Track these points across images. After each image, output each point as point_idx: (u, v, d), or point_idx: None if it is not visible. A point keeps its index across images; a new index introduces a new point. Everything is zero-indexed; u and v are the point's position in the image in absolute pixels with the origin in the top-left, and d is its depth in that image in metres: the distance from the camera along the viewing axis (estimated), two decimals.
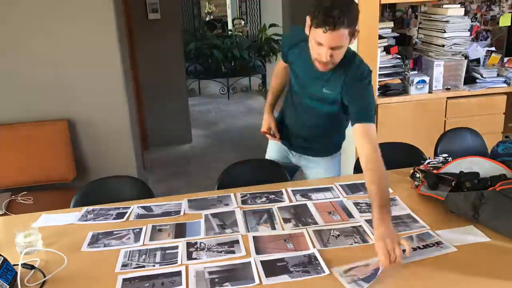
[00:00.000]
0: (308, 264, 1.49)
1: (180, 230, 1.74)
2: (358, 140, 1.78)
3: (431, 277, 1.40)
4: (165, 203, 1.98)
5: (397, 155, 2.37)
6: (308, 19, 1.73)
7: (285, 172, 2.27)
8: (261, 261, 1.51)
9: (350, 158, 2.48)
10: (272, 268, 1.47)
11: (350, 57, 1.85)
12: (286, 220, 1.79)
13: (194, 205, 1.95)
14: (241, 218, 1.82)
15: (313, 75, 1.90)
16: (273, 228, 1.74)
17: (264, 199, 1.97)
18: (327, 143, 2.22)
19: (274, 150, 2.38)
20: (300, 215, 1.83)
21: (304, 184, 2.13)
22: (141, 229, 1.76)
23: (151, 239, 1.69)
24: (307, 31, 1.76)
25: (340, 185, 2.08)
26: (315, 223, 1.76)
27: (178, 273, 1.47)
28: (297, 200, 1.96)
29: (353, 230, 1.70)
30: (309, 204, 1.92)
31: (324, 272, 1.45)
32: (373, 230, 1.54)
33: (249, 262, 1.51)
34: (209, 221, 1.80)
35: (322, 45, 1.69)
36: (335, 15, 1.60)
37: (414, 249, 1.54)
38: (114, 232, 1.75)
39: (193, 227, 1.76)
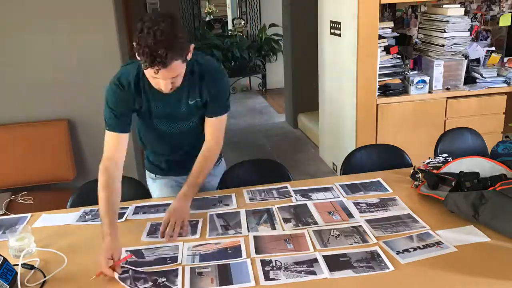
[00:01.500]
0: (372, 260, 1.50)
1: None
2: (208, 130, 1.92)
3: (431, 277, 1.40)
4: (165, 202, 1.99)
5: (380, 157, 2.41)
6: (136, 53, 1.59)
7: (287, 172, 2.27)
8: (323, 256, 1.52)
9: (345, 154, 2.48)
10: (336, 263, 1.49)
11: (197, 61, 1.82)
12: (286, 220, 1.79)
13: (194, 204, 1.95)
14: (244, 218, 1.82)
15: (172, 99, 1.82)
16: (273, 228, 1.74)
17: (216, 203, 1.95)
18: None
19: (162, 191, 2.14)
20: (300, 215, 1.83)
21: (304, 184, 2.13)
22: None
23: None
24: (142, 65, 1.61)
25: (340, 185, 2.08)
26: (315, 223, 1.76)
27: (175, 271, 1.47)
28: (297, 200, 1.96)
29: (353, 230, 1.69)
30: (309, 204, 1.92)
31: (388, 268, 1.45)
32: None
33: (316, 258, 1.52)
34: (213, 222, 1.81)
35: (157, 77, 1.61)
36: (161, 54, 1.51)
37: (414, 249, 1.54)
38: None
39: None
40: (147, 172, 2.21)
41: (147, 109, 1.85)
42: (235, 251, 1.58)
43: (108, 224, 1.57)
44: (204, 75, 1.82)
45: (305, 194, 2.01)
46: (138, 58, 1.58)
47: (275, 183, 2.14)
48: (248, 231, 1.72)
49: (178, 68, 1.61)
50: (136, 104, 1.81)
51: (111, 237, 1.53)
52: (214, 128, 1.92)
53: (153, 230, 1.75)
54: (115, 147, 1.79)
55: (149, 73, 1.61)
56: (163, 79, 1.61)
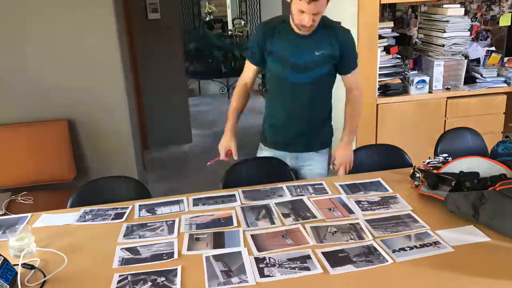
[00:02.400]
0: (369, 254, 1.51)
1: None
2: (349, 82, 2.21)
3: (427, 276, 1.41)
4: (165, 201, 2.00)
5: (380, 157, 2.42)
6: None
7: (289, 170, 2.28)
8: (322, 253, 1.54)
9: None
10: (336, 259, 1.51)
11: (330, 21, 2.15)
12: (285, 215, 1.81)
13: (250, 196, 2.01)
14: (241, 215, 1.84)
15: (300, 47, 2.08)
16: (272, 223, 1.76)
17: (216, 200, 2.00)
18: (322, 125, 2.30)
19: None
20: (298, 210, 1.85)
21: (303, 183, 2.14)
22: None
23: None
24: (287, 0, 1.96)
25: (340, 185, 2.08)
26: (314, 217, 1.78)
27: (177, 271, 1.48)
28: (295, 195, 1.99)
29: (350, 227, 1.70)
30: (306, 199, 1.95)
31: (387, 261, 1.47)
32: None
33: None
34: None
35: (304, 13, 1.92)
36: None
37: (411, 248, 1.54)
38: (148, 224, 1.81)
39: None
40: (261, 146, 2.43)
41: (274, 52, 2.12)
42: (227, 221, 1.79)
43: (230, 123, 2.26)
44: (336, 31, 2.12)
45: (304, 191, 2.04)
46: None
47: (280, 182, 2.15)
48: (248, 227, 1.74)
49: (323, 6, 1.94)
50: (268, 44, 2.11)
51: (229, 137, 2.25)
52: (351, 81, 2.21)
53: (129, 232, 1.75)
54: (249, 74, 2.27)
55: (299, 6, 1.90)
56: (309, 13, 1.92)
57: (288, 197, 1.99)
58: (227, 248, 1.60)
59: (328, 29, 2.10)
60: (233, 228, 1.74)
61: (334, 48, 2.09)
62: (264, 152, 2.39)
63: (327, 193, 2.02)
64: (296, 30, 2.05)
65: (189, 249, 1.62)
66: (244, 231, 1.71)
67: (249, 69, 2.25)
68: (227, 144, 2.25)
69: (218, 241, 1.66)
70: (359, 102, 2.25)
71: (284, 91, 2.20)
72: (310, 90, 2.16)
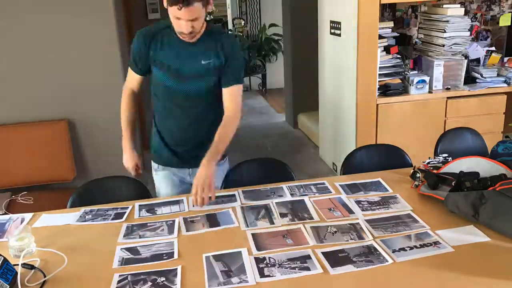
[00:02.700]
0: (369, 254, 1.51)
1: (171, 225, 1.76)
2: (226, 100, 2.05)
3: (427, 276, 1.41)
4: (165, 200, 2.00)
5: (380, 157, 2.42)
6: None
7: (290, 170, 2.28)
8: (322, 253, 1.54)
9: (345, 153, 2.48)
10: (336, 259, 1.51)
11: (217, 29, 2.07)
12: (283, 215, 1.82)
13: (249, 196, 2.01)
14: (241, 215, 1.85)
15: (186, 55, 1.97)
16: (272, 223, 1.77)
17: (215, 200, 1.96)
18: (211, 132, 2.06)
19: (165, 185, 2.20)
20: (297, 210, 1.86)
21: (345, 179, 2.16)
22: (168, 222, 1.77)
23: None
24: (165, 4, 1.84)
25: (340, 185, 2.08)
26: (311, 218, 1.79)
27: (177, 271, 1.48)
28: (299, 195, 1.99)
29: (350, 227, 1.71)
30: (307, 200, 1.95)
31: (387, 261, 1.47)
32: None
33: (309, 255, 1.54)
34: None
35: (181, 19, 1.81)
36: None
37: (411, 248, 1.54)
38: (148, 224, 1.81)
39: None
40: (152, 163, 2.26)
41: (160, 61, 1.98)
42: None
43: (127, 139, 2.12)
44: (222, 40, 1.99)
45: (304, 191, 2.03)
46: (165, 1, 1.80)
47: (281, 182, 2.16)
48: (247, 226, 1.75)
49: (199, 11, 1.80)
50: (150, 53, 1.98)
51: (130, 151, 2.12)
52: (230, 99, 2.04)
53: (129, 232, 1.76)
54: (133, 81, 2.12)
55: (173, 12, 1.80)
56: (184, 19, 1.80)
57: (288, 197, 2.00)
58: (223, 226, 1.75)
59: (215, 37, 1.99)
60: (224, 209, 1.88)
61: (220, 58, 1.99)
62: (159, 173, 2.21)
63: (330, 192, 2.02)
64: (180, 36, 1.93)
65: (187, 230, 1.73)
66: (246, 230, 1.72)
67: (133, 79, 2.10)
68: (132, 160, 2.15)
69: (213, 220, 1.80)
70: (231, 125, 2.02)
71: (171, 102, 2.07)
72: (198, 101, 2.05)
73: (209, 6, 1.85)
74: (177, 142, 2.14)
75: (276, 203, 1.93)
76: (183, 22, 1.81)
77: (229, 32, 2.09)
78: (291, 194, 2.01)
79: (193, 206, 1.89)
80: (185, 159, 2.14)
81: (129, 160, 2.15)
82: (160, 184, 2.22)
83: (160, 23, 2.01)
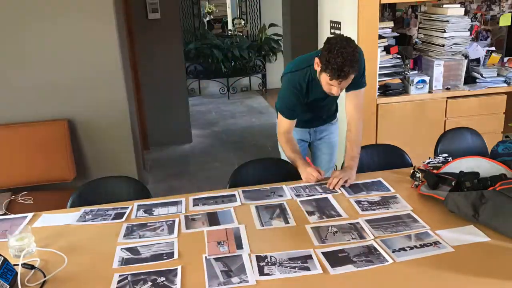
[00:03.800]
0: (369, 254, 1.52)
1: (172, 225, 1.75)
2: (350, 104, 2.27)
3: (427, 276, 1.41)
4: (165, 201, 2.00)
5: (380, 157, 2.43)
6: (317, 62, 2.03)
7: (293, 171, 2.29)
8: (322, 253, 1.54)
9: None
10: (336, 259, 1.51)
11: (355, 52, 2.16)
12: (310, 213, 1.84)
13: (248, 196, 2.02)
14: (255, 214, 1.87)
15: (325, 94, 2.18)
16: (286, 222, 1.78)
17: (216, 199, 2.01)
18: (333, 112, 2.62)
19: (298, 133, 2.53)
20: (323, 208, 1.88)
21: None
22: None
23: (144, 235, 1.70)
24: (316, 68, 2.06)
25: (342, 185, 2.08)
26: (339, 215, 1.81)
27: (177, 271, 1.48)
28: (306, 196, 1.99)
29: (351, 227, 1.71)
30: (330, 197, 1.98)
31: (387, 261, 1.48)
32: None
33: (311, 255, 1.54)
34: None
35: (334, 86, 2.02)
36: (346, 71, 1.92)
37: (411, 248, 1.55)
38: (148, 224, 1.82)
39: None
40: None
41: (307, 100, 2.28)
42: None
43: (301, 160, 2.23)
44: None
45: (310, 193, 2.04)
46: (318, 68, 2.03)
47: (286, 181, 2.17)
48: (262, 226, 1.73)
49: (352, 78, 2.01)
50: (303, 99, 2.26)
51: (304, 165, 2.20)
52: (354, 102, 2.26)
53: (129, 232, 1.76)
54: (288, 127, 2.33)
55: (329, 81, 1.99)
56: (338, 87, 2.02)
57: (288, 197, 2.00)
58: (222, 225, 1.76)
59: None
60: (225, 208, 1.90)
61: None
62: None
63: (336, 192, 2.03)
64: None
65: (187, 228, 1.75)
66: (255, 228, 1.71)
67: (288, 124, 2.32)
68: (311, 170, 2.18)
69: (213, 219, 1.82)
70: (360, 129, 2.28)
71: (307, 110, 2.38)
72: (327, 105, 2.44)
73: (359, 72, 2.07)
74: (312, 120, 2.52)
75: (300, 201, 1.95)
76: (336, 88, 2.02)
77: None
78: (297, 195, 2.01)
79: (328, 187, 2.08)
80: (307, 125, 2.54)
81: (306, 170, 2.16)
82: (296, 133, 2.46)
83: (302, 73, 2.22)
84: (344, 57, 1.90)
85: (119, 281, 1.44)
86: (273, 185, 2.12)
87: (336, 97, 2.33)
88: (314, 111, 2.43)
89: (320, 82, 2.08)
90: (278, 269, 1.46)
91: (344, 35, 2.04)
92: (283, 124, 2.32)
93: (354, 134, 2.25)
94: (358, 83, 2.20)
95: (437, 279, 1.39)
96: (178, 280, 1.43)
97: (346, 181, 2.07)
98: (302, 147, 2.54)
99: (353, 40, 1.99)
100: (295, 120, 2.32)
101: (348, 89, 2.20)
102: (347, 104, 2.27)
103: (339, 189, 2.05)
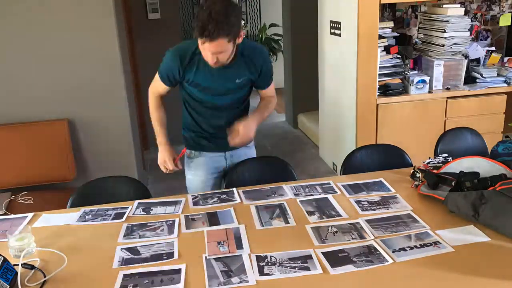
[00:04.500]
0: (370, 254, 1.52)
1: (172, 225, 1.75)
2: (266, 95, 2.22)
3: (427, 276, 1.41)
4: (164, 200, 2.00)
5: (380, 157, 2.42)
6: (193, 25, 1.88)
7: (291, 170, 2.29)
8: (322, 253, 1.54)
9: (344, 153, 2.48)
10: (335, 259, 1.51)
11: (247, 45, 2.06)
12: (310, 213, 1.83)
13: (249, 197, 2.02)
14: (255, 214, 1.86)
15: (220, 77, 2.04)
16: (287, 222, 1.78)
17: (215, 199, 2.01)
18: None
19: (200, 171, 2.29)
20: (323, 208, 1.87)
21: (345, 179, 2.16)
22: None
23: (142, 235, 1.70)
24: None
25: (342, 185, 2.08)
26: (339, 215, 1.81)
27: (178, 271, 1.48)
28: (304, 195, 1.98)
29: (351, 227, 1.71)
30: (330, 197, 1.97)
31: (387, 261, 1.48)
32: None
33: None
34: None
35: (205, 50, 1.87)
36: (210, 29, 1.76)
37: (411, 248, 1.55)
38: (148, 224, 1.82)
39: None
40: (186, 155, 2.33)
41: (196, 82, 2.06)
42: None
43: (162, 135, 2.18)
44: (254, 58, 2.07)
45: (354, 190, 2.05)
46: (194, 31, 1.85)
47: (283, 181, 2.17)
48: (262, 226, 1.74)
49: (224, 45, 1.83)
50: (186, 75, 2.05)
51: (166, 145, 2.19)
52: (269, 94, 2.23)
53: (129, 232, 1.76)
54: (162, 90, 2.18)
55: (199, 43, 1.86)
56: (208, 52, 1.85)
57: (289, 196, 2.00)
58: (222, 225, 1.76)
59: (246, 56, 2.05)
60: (225, 208, 1.90)
61: (253, 73, 2.09)
62: (194, 160, 2.30)
63: (336, 192, 2.02)
64: None
65: (187, 228, 1.75)
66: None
67: (161, 88, 2.16)
68: (170, 154, 2.19)
69: (213, 219, 1.82)
70: (273, 103, 2.25)
71: (204, 109, 2.17)
72: (230, 107, 2.17)
73: (239, 39, 1.90)
74: (211, 134, 2.23)
75: (300, 201, 1.94)
76: (209, 54, 1.87)
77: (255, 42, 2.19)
78: (296, 194, 2.01)
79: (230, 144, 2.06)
80: (221, 145, 2.22)
81: (165, 153, 2.18)
82: (195, 170, 2.29)
83: (191, 45, 2.02)
84: (212, 14, 1.75)
85: (119, 281, 1.43)
86: (273, 185, 2.12)
87: (241, 103, 2.19)
88: (215, 113, 2.17)
89: (201, 51, 1.93)
90: (278, 269, 1.46)
91: None
92: (156, 81, 2.16)
93: (266, 102, 2.22)
94: (268, 81, 2.18)
95: (437, 279, 1.39)
96: (178, 280, 1.43)
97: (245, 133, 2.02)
98: (216, 177, 2.30)
99: (234, 4, 1.86)
100: (168, 89, 2.16)
101: (260, 87, 2.18)
102: (262, 96, 2.24)
103: (339, 189, 2.05)
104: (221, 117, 2.17)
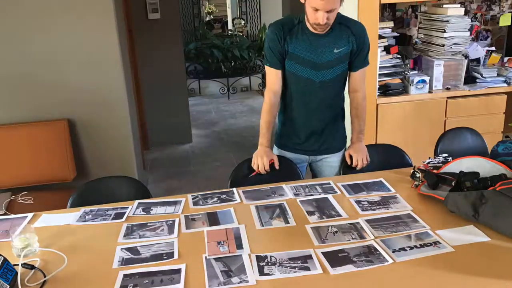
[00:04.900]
0: (370, 254, 1.52)
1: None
2: (356, 82, 2.23)
3: (427, 276, 1.41)
4: (165, 200, 2.00)
5: (380, 157, 2.42)
6: None
7: (297, 170, 2.29)
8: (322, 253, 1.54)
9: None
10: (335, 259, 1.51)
11: (344, 16, 2.15)
12: (310, 213, 1.83)
13: (249, 196, 2.02)
14: (255, 214, 1.86)
15: (319, 47, 2.10)
16: (287, 222, 1.77)
17: (215, 199, 2.01)
18: (336, 125, 2.33)
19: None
20: (324, 208, 1.87)
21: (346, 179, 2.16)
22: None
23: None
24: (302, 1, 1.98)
25: (342, 185, 2.08)
26: (339, 215, 1.81)
27: (178, 271, 1.48)
28: (304, 195, 1.98)
29: (351, 227, 1.71)
30: (330, 197, 1.97)
31: (387, 261, 1.48)
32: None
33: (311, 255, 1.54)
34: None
35: (318, 10, 1.93)
36: None
37: (411, 248, 1.55)
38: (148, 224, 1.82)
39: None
40: (276, 149, 2.40)
41: (296, 54, 2.11)
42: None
43: (267, 138, 2.21)
44: (351, 27, 2.12)
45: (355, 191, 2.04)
46: None
47: (288, 181, 2.16)
48: (262, 226, 1.74)
49: (336, 2, 1.92)
50: (287, 45, 2.10)
51: (267, 147, 2.21)
52: (358, 80, 2.22)
53: (129, 232, 1.76)
54: (275, 81, 2.18)
55: (311, 3, 1.93)
56: (323, 9, 1.91)
57: (289, 196, 2.00)
58: (222, 225, 1.76)
59: (344, 25, 2.12)
60: (225, 208, 1.90)
61: (351, 45, 2.13)
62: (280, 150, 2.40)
63: (336, 192, 2.02)
64: (312, 29, 2.07)
65: (187, 227, 1.75)
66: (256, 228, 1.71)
67: (273, 75, 2.19)
68: (269, 155, 2.20)
69: (213, 219, 1.82)
70: (364, 104, 2.29)
71: (303, 90, 2.20)
72: (328, 87, 2.19)
73: (343, 2, 1.97)
74: (302, 125, 2.27)
75: (300, 201, 1.94)
76: (321, 13, 1.93)
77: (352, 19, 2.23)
78: (296, 194, 2.01)
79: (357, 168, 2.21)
80: (308, 149, 2.32)
81: (264, 152, 2.18)
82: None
83: (291, 18, 2.13)
84: None
85: (119, 281, 1.43)
86: (274, 184, 2.12)
87: (341, 86, 2.24)
88: (312, 95, 2.19)
89: (307, 18, 2.03)
90: (278, 269, 1.46)
91: None
92: (268, 75, 2.21)
93: (360, 110, 2.27)
94: (362, 61, 2.19)
95: (437, 279, 1.39)
96: (178, 280, 1.43)
97: (366, 159, 2.19)
98: (300, 167, 2.35)
99: None
100: (280, 76, 2.17)
101: (354, 68, 2.19)
102: (352, 82, 2.24)
103: (339, 189, 2.05)
104: (318, 100, 2.19)
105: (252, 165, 2.21)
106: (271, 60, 2.16)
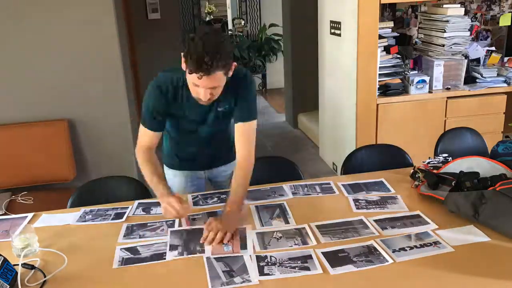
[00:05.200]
0: (370, 254, 1.52)
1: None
2: (239, 140, 1.92)
3: (427, 276, 1.41)
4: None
5: (380, 157, 2.42)
6: (182, 58, 1.67)
7: (298, 170, 2.28)
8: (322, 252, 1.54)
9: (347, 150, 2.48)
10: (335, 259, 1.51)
11: (236, 70, 1.83)
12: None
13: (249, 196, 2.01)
14: (255, 214, 1.86)
15: (204, 108, 1.88)
16: (287, 222, 1.77)
17: (215, 199, 2.01)
18: (229, 148, 2.10)
19: (178, 181, 2.18)
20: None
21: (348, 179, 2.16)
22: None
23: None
24: (183, 66, 1.70)
25: (342, 184, 2.08)
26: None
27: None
28: (302, 194, 1.98)
29: (351, 227, 1.71)
30: (328, 197, 1.97)
31: (387, 261, 1.47)
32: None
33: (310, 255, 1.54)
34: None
35: (199, 86, 1.69)
36: (207, 61, 1.58)
37: (411, 248, 1.55)
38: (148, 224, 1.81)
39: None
40: (166, 169, 2.21)
41: (180, 115, 1.91)
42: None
43: (163, 186, 1.82)
44: (233, 80, 1.81)
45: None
46: (184, 64, 1.66)
47: (287, 181, 2.16)
48: (262, 225, 1.73)
49: (219, 79, 1.67)
50: (172, 109, 1.88)
51: (169, 195, 1.77)
52: (244, 138, 1.92)
53: (129, 232, 1.76)
54: (149, 141, 1.94)
55: (192, 79, 1.67)
56: (203, 87, 1.67)
57: (289, 196, 1.99)
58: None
59: (231, 84, 1.81)
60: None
61: (231, 102, 1.91)
62: (170, 171, 2.20)
63: (335, 192, 2.02)
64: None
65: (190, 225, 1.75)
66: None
67: (150, 137, 1.93)
68: (173, 200, 1.75)
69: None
70: (250, 170, 1.90)
71: (188, 138, 2.06)
72: (215, 135, 2.04)
73: (230, 72, 1.71)
74: (193, 157, 2.13)
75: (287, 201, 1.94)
76: (202, 89, 1.69)
77: (243, 71, 1.88)
78: (294, 194, 2.01)
79: (202, 242, 1.65)
80: (201, 165, 2.16)
81: (171, 198, 1.75)
82: (173, 180, 2.18)
83: (175, 74, 1.85)
84: (207, 46, 1.58)
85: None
86: (273, 184, 2.12)
87: (226, 128, 2.05)
88: (200, 142, 2.05)
89: (190, 87, 1.75)
90: (278, 269, 1.46)
91: (216, 27, 1.74)
92: (142, 135, 1.93)
93: (241, 176, 1.86)
94: (245, 114, 1.91)
95: (437, 279, 1.39)
96: (179, 280, 1.43)
97: (223, 236, 1.64)
98: (198, 184, 2.19)
99: (225, 34, 1.69)
100: (158, 135, 1.93)
101: (235, 119, 1.92)
102: (236, 139, 1.94)
103: (339, 189, 2.05)
104: (205, 144, 2.06)
105: (168, 217, 1.80)
106: (147, 122, 1.90)
